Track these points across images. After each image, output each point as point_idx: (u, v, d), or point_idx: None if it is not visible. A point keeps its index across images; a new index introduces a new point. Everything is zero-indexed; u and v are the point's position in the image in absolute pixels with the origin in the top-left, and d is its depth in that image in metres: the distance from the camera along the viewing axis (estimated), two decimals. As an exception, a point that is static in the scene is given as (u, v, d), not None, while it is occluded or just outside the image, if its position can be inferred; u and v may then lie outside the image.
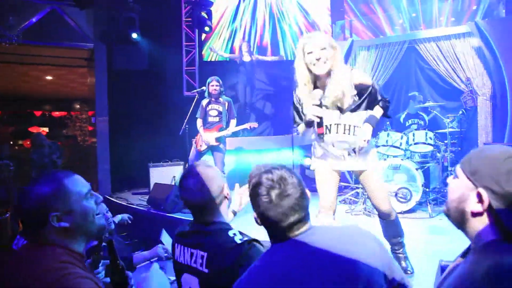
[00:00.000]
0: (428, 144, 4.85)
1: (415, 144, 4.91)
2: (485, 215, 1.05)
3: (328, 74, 2.58)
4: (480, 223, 1.07)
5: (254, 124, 5.59)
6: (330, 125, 2.68)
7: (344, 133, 2.68)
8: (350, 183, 5.99)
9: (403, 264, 2.96)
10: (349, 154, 2.75)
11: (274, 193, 1.24)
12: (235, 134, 5.87)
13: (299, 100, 2.74)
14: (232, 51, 7.64)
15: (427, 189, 4.92)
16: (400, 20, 6.92)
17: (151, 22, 6.89)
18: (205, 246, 1.59)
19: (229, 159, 6.50)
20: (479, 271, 0.95)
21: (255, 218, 1.32)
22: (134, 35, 6.65)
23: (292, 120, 2.85)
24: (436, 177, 5.30)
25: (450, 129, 4.99)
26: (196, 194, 1.66)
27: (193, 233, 1.68)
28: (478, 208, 1.05)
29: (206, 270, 1.57)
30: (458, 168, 1.14)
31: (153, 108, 7.14)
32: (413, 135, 4.93)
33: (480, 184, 1.05)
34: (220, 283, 1.52)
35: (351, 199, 5.43)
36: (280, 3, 7.70)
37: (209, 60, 7.70)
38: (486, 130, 5.76)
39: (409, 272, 2.93)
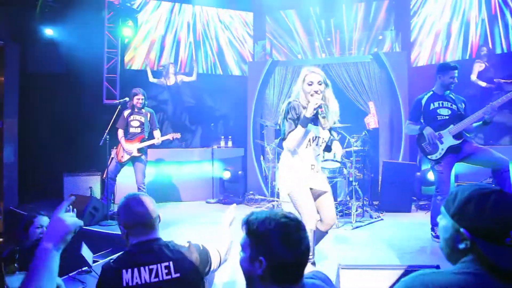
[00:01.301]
0: (336, 161, 5.44)
1: (324, 161, 5.47)
2: (472, 250, 1.18)
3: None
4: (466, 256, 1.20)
5: (177, 135, 5.74)
6: (315, 137, 3.17)
7: (321, 145, 3.25)
8: (266, 196, 6.40)
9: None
10: (316, 171, 3.24)
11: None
12: (155, 146, 5.97)
13: (297, 110, 3.09)
14: (158, 68, 7.61)
15: (335, 202, 5.50)
16: (316, 43, 7.60)
17: (71, 24, 6.67)
18: (165, 257, 1.76)
19: (149, 170, 6.54)
20: None
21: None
22: (49, 31, 6.40)
23: (283, 133, 3.16)
24: (343, 191, 5.93)
25: (355, 148, 5.64)
26: (148, 214, 1.83)
27: (146, 252, 1.79)
28: (462, 245, 1.18)
29: (177, 275, 1.74)
30: (442, 209, 1.29)
31: (70, 115, 6.86)
32: (323, 153, 5.49)
33: (461, 225, 1.19)
34: (192, 281, 1.78)
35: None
36: (205, 22, 7.96)
37: (131, 68, 7.65)
38: (386, 149, 6.58)
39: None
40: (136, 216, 1.82)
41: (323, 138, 3.20)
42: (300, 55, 7.60)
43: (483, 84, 6.03)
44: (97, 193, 6.25)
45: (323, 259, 3.83)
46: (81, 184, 6.10)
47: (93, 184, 6.22)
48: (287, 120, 3.09)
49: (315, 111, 2.97)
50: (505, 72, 6.05)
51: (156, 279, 1.72)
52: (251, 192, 6.75)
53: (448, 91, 4.19)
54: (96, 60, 7.05)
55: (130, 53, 7.64)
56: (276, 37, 7.89)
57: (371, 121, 6.20)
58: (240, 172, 6.80)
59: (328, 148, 3.38)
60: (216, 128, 7.70)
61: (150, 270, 1.73)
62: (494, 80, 5.99)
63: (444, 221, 1.27)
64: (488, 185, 1.30)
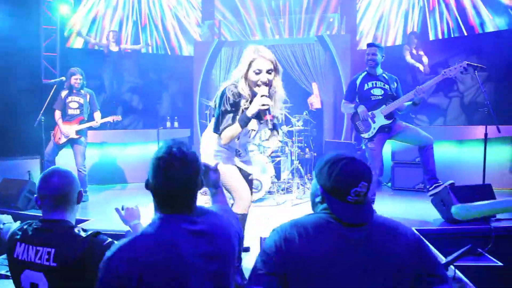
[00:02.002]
0: (278, 140, 5.52)
1: (266, 140, 5.54)
2: (323, 203, 1.48)
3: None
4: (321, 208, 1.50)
5: (118, 118, 5.63)
6: (249, 130, 2.84)
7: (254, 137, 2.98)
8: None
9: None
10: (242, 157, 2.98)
11: None
12: (99, 128, 5.83)
13: (235, 101, 2.66)
14: (100, 39, 7.43)
15: (277, 180, 5.63)
16: (269, 24, 7.60)
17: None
18: (52, 243, 1.69)
19: (92, 153, 6.40)
20: None
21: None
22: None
23: (216, 125, 2.73)
24: (285, 169, 6.05)
25: (296, 127, 5.74)
26: (58, 187, 1.76)
27: (41, 231, 1.74)
28: (319, 199, 1.49)
29: (54, 264, 1.67)
30: (313, 172, 1.57)
31: (3, 94, 6.52)
32: (265, 132, 5.56)
33: (319, 182, 1.49)
34: (69, 275, 1.66)
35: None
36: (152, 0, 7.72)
37: (73, 47, 7.36)
38: (329, 129, 6.76)
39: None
40: (46, 186, 1.76)
41: (257, 131, 2.90)
42: (249, 36, 7.58)
43: (418, 64, 6.28)
44: (37, 177, 6.04)
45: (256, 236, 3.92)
46: (18, 168, 5.87)
47: (32, 167, 6.01)
48: (221, 113, 2.67)
49: (262, 108, 2.57)
50: (437, 58, 6.32)
51: (39, 262, 1.71)
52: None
53: (381, 71, 4.36)
54: (33, 37, 6.70)
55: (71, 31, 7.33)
56: (225, 18, 7.82)
57: (314, 101, 6.33)
58: (186, 153, 6.75)
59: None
60: (162, 109, 7.59)
61: (36, 251, 1.71)
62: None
63: (313, 180, 1.57)
64: (347, 153, 1.54)
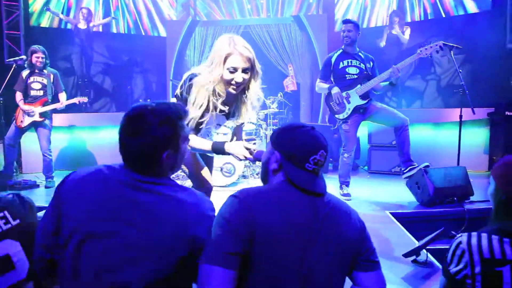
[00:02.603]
0: (251, 123, 5.32)
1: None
2: (279, 171, 1.41)
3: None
4: (276, 179, 1.42)
5: (83, 99, 5.32)
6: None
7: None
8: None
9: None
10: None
11: None
12: (68, 110, 5.53)
13: (202, 99, 2.25)
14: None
15: (251, 164, 5.44)
16: (249, 5, 7.31)
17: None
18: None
19: (60, 136, 6.09)
20: None
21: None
22: None
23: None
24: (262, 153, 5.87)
25: (271, 110, 5.55)
26: None
27: None
28: (274, 166, 1.41)
29: (17, 221, 1.51)
30: (269, 140, 1.50)
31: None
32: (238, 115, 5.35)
33: (275, 149, 1.42)
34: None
35: (183, 176, 5.66)
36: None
37: (39, 25, 6.95)
38: (306, 111, 6.59)
39: None
40: None
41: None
42: (225, 16, 7.27)
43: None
44: (0, 162, 5.72)
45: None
46: (-21, 152, 5.52)
47: (-7, 153, 5.67)
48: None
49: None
50: (414, 41, 6.17)
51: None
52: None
53: (358, 49, 4.20)
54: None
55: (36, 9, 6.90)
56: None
57: (290, 83, 6.13)
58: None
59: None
60: (135, 91, 7.27)
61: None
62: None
63: (268, 147, 1.49)
64: (306, 123, 1.50)
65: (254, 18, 6.96)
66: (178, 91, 2.31)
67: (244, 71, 2.20)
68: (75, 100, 5.24)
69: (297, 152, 1.39)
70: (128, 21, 7.43)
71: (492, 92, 5.62)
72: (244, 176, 5.38)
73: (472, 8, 6.13)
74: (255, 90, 2.34)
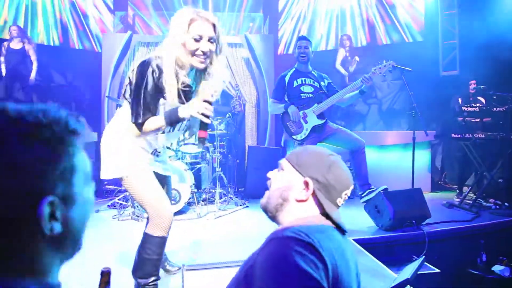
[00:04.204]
0: (195, 144, 4.86)
1: (184, 144, 4.84)
2: (308, 201, 1.18)
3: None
4: (301, 209, 1.17)
5: None
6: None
7: (179, 130, 2.29)
8: (118, 186, 5.50)
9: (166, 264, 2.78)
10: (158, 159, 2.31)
11: None
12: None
13: (160, 79, 1.98)
14: None
15: (198, 190, 4.94)
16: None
17: None
18: None
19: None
20: None
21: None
22: None
23: (135, 112, 2.00)
24: (206, 178, 5.39)
25: (219, 131, 5.14)
26: None
27: None
28: (302, 195, 1.17)
29: None
30: (284, 161, 1.25)
31: None
32: (183, 135, 4.86)
33: (306, 174, 1.18)
34: None
35: (120, 203, 4.97)
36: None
37: None
38: (252, 133, 6.27)
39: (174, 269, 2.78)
40: None
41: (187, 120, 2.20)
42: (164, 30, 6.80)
43: (343, 71, 6.10)
44: None
45: (184, 251, 3.20)
46: None
47: None
48: (143, 94, 1.98)
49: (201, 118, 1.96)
50: (366, 61, 6.23)
51: None
52: (105, 182, 5.76)
53: (311, 68, 4.06)
54: None
55: None
56: (141, 10, 6.92)
57: (237, 104, 5.80)
58: (91, 160, 5.75)
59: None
60: (64, 109, 6.43)
61: None
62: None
63: (283, 173, 1.26)
64: (333, 152, 1.27)
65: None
66: (133, 79, 1.99)
67: (210, 40, 1.96)
68: None
69: (337, 183, 1.18)
70: (52, 32, 6.59)
71: (431, 116, 5.77)
72: (189, 203, 4.86)
73: (407, 37, 6.36)
74: (219, 68, 2.09)
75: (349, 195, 1.20)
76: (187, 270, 2.15)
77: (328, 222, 1.15)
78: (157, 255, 2.20)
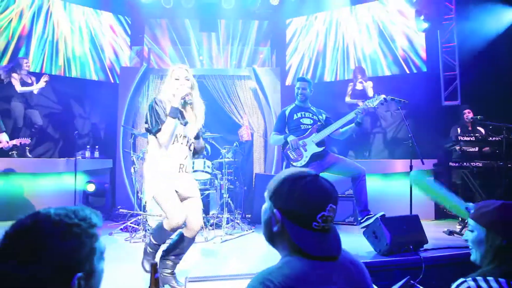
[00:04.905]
0: (206, 172, 5.08)
1: (194, 171, 5.06)
2: (283, 233, 1.16)
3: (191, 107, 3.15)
4: (282, 242, 1.17)
5: (26, 140, 4.99)
6: (182, 135, 3.07)
7: (189, 146, 3.11)
8: (135, 210, 5.72)
9: (173, 283, 3.01)
10: (186, 172, 3.11)
11: None
12: (4, 154, 4.96)
13: (163, 104, 3.00)
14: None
15: (206, 215, 5.11)
16: (201, 57, 7.30)
17: None
18: None
19: (-6, 183, 5.42)
20: None
21: None
22: None
23: (152, 127, 2.98)
24: (214, 204, 5.57)
25: (226, 159, 5.36)
26: None
27: None
28: (276, 228, 1.16)
29: None
30: (266, 192, 1.25)
31: None
32: (193, 163, 5.09)
33: (275, 205, 1.17)
34: None
35: (132, 227, 5.17)
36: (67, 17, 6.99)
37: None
38: (260, 162, 6.48)
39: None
40: None
41: (190, 138, 3.13)
42: (178, 63, 7.22)
43: (353, 101, 6.28)
44: None
45: (186, 273, 3.35)
46: None
47: None
48: (153, 115, 3.00)
49: (182, 100, 3.01)
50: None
51: None
52: (119, 206, 5.99)
53: (310, 104, 4.40)
54: None
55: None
56: (156, 45, 7.37)
57: (245, 133, 6.05)
58: (106, 185, 6.02)
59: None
60: (82, 137, 6.78)
61: None
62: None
63: (265, 204, 1.25)
64: (308, 171, 1.25)
65: (211, 68, 6.94)
66: (147, 114, 3.03)
67: (185, 78, 3.06)
68: (15, 142, 4.86)
69: (302, 209, 1.15)
70: (72, 65, 7.04)
71: (432, 144, 5.88)
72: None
73: (410, 69, 6.57)
74: (197, 97, 3.14)
75: (329, 214, 1.15)
76: (189, 281, 2.33)
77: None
78: (158, 241, 3.09)
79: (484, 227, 1.49)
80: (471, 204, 3.25)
